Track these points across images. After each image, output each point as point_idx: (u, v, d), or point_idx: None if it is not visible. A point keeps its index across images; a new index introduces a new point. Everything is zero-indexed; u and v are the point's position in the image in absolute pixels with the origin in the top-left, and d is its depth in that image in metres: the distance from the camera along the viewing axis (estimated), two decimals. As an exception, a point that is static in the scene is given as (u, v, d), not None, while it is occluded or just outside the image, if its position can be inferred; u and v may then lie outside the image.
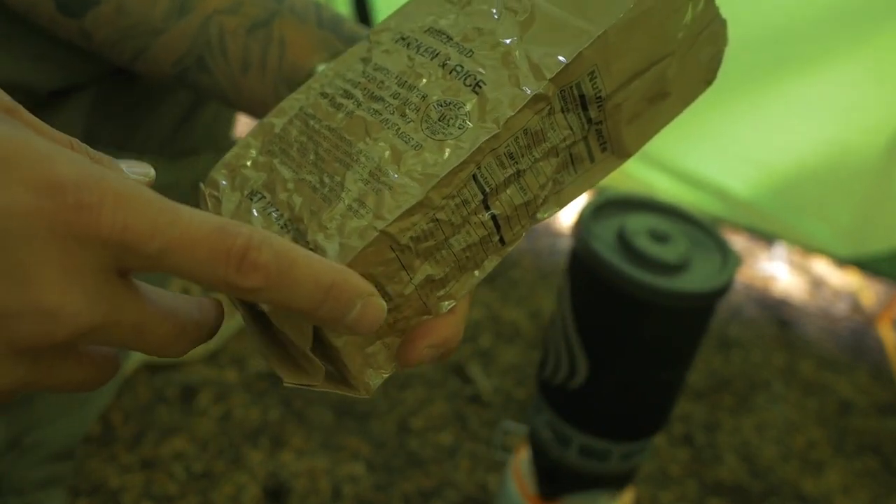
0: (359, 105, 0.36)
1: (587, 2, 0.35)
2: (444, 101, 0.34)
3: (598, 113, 0.36)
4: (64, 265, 0.24)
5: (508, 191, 0.35)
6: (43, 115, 0.53)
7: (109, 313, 0.25)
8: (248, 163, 0.37)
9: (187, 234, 0.25)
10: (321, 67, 0.44)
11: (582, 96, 0.35)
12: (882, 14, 1.06)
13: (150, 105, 0.55)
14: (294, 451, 0.95)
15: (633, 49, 0.35)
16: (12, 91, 0.50)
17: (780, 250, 1.49)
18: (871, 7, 1.06)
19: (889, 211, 1.19)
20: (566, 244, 1.40)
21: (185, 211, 0.25)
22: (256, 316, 0.34)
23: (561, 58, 0.34)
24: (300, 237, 0.33)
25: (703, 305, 0.74)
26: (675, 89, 0.38)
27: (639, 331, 0.73)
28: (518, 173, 0.35)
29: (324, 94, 0.37)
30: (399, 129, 0.34)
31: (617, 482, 0.83)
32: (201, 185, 0.38)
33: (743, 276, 1.41)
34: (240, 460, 0.93)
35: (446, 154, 0.33)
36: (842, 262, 1.28)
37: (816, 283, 1.44)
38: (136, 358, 0.99)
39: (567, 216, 1.47)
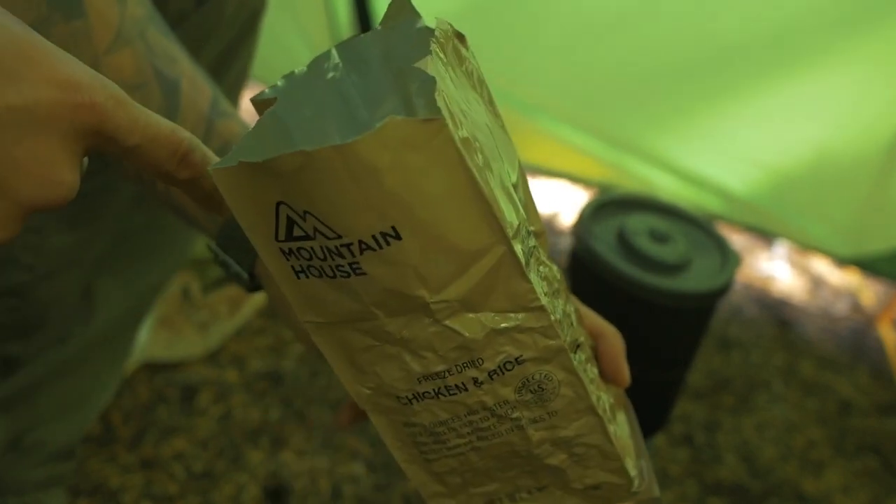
0: (467, 435, 0.42)
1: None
2: (535, 383, 0.40)
3: None
4: (74, 151, 0.31)
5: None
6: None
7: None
8: None
9: (156, 134, 0.32)
10: (213, 245, 0.47)
11: None
12: (882, 13, 1.06)
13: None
14: (294, 451, 0.95)
15: None
16: None
17: (780, 249, 1.49)
18: (871, 6, 1.06)
19: (889, 211, 1.19)
20: (566, 244, 1.40)
21: (152, 114, 0.32)
22: None
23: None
24: None
25: (703, 305, 0.74)
26: None
27: (639, 331, 0.73)
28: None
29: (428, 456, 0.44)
30: (529, 419, 0.42)
31: (617, 482, 0.83)
32: None
33: (743, 275, 1.41)
34: (240, 460, 0.93)
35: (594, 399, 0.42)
36: (842, 261, 1.28)
37: (816, 283, 1.44)
38: (136, 358, 0.99)
39: (567, 216, 1.47)
